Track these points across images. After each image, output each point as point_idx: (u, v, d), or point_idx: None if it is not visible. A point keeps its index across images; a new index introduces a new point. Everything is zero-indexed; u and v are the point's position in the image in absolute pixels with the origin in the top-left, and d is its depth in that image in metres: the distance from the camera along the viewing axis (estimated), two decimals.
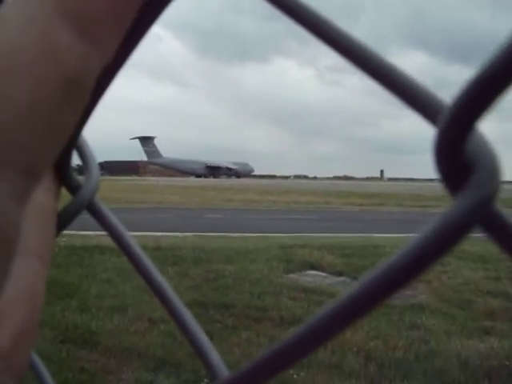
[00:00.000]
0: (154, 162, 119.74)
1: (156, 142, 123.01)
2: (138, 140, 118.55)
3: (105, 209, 0.28)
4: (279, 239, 9.89)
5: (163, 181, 56.59)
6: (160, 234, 10.38)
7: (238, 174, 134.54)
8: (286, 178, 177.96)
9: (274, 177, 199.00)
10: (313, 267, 7.03)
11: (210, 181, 77.36)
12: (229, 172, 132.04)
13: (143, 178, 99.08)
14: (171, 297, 0.26)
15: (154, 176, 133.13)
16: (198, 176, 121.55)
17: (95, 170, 0.27)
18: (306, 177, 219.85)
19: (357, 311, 0.13)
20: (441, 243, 0.11)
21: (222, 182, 64.89)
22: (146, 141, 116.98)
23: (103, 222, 0.27)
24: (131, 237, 0.28)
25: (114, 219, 0.27)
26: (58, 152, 0.13)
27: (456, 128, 0.11)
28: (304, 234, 11.40)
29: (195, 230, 11.67)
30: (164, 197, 25.87)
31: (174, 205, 21.52)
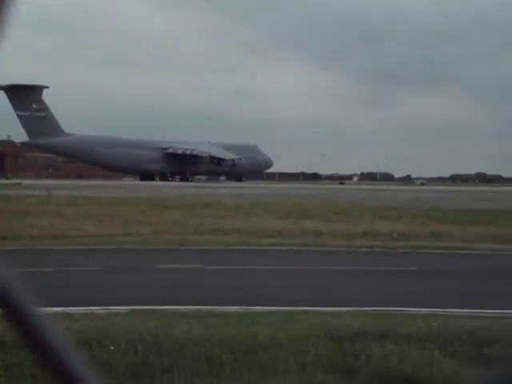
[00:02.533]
0: (45, 145, 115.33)
1: (48, 98, 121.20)
2: (3, 92, 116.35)
3: None
4: (329, 319, 9.89)
5: (65, 188, 56.45)
6: (57, 308, 10.33)
7: (237, 172, 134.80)
8: (342, 180, 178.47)
9: (316, 177, 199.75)
10: None
11: (173, 186, 76.98)
12: (217, 167, 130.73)
13: (14, 180, 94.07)
14: None
15: (39, 177, 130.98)
16: (147, 176, 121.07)
17: None
18: (390, 177, 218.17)
19: None
20: None
21: (203, 189, 64.61)
22: (24, 94, 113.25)
23: None
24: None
25: None
26: None
27: None
28: (392, 307, 11.43)
29: (136, 299, 11.71)
30: (66, 224, 26.01)
31: (88, 241, 21.68)
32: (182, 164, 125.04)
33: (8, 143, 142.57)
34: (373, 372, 7.25)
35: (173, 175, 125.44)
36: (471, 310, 11.08)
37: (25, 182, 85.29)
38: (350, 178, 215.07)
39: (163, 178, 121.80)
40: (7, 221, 25.93)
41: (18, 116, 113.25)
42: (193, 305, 11.00)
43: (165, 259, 17.49)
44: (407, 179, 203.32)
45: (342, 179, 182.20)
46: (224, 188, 74.50)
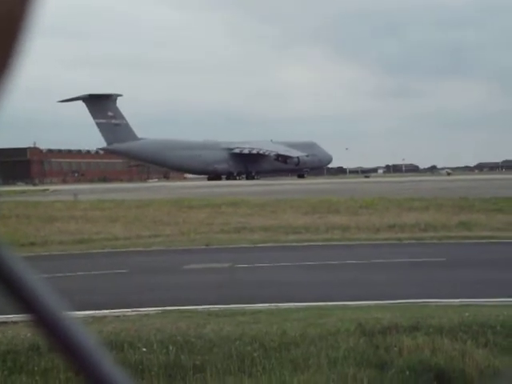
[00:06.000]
0: (120, 150, 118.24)
1: (123, 105, 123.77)
2: (81, 102, 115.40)
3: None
4: (359, 313, 9.89)
5: (90, 192, 56.88)
6: (88, 312, 10.54)
7: (300, 169, 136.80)
8: (368, 173, 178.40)
9: (341, 171, 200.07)
10: None
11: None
12: (282, 165, 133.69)
13: (41, 187, 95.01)
14: None
15: (65, 182, 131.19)
16: (214, 176, 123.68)
17: None
18: (415, 169, 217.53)
19: None
20: None
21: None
22: (101, 103, 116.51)
23: None
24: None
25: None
26: None
27: None
28: (422, 299, 11.42)
29: (165, 300, 11.84)
30: (94, 228, 26.37)
31: (116, 244, 21.78)
32: (248, 163, 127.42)
33: (34, 150, 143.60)
34: (405, 365, 7.21)
35: (239, 174, 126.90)
36: (504, 300, 10.98)
37: (51, 187, 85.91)
38: (375, 170, 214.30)
39: (229, 177, 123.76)
40: (35, 227, 26.17)
41: (97, 124, 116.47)
42: (222, 304, 11.03)
43: (192, 259, 17.55)
44: (433, 170, 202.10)
45: (366, 172, 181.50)
46: (257, 186, 74.29)
